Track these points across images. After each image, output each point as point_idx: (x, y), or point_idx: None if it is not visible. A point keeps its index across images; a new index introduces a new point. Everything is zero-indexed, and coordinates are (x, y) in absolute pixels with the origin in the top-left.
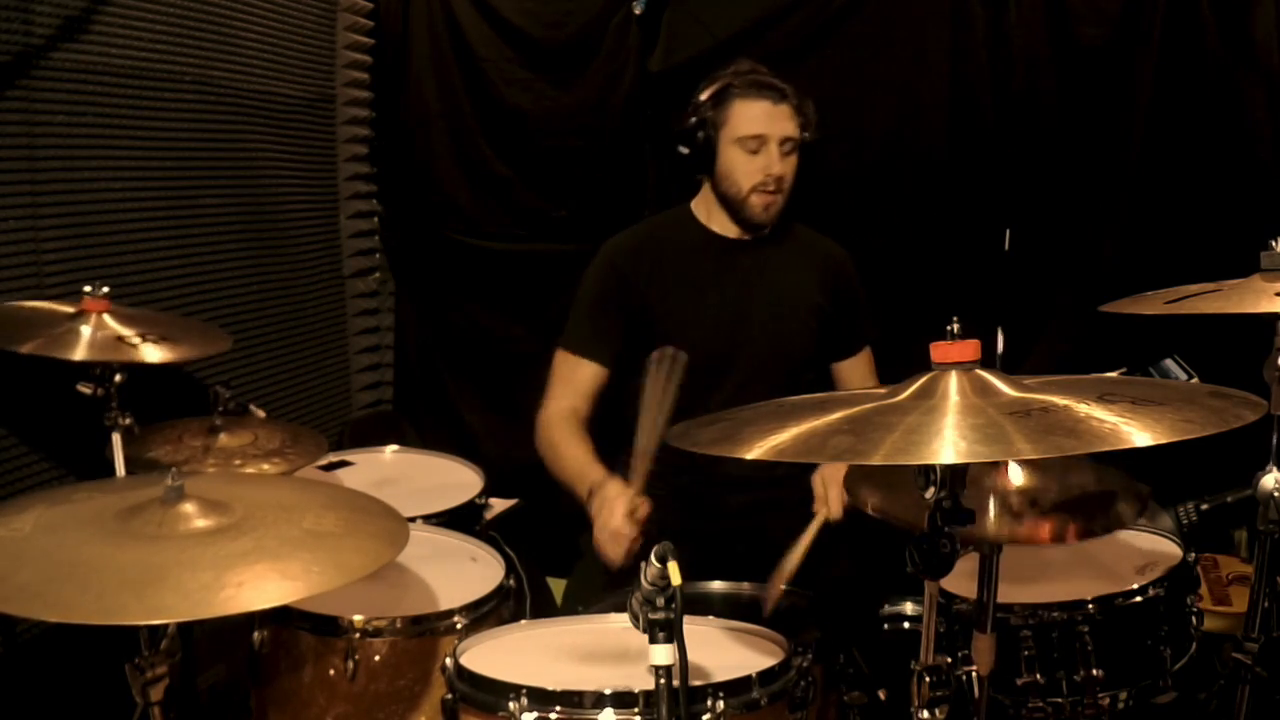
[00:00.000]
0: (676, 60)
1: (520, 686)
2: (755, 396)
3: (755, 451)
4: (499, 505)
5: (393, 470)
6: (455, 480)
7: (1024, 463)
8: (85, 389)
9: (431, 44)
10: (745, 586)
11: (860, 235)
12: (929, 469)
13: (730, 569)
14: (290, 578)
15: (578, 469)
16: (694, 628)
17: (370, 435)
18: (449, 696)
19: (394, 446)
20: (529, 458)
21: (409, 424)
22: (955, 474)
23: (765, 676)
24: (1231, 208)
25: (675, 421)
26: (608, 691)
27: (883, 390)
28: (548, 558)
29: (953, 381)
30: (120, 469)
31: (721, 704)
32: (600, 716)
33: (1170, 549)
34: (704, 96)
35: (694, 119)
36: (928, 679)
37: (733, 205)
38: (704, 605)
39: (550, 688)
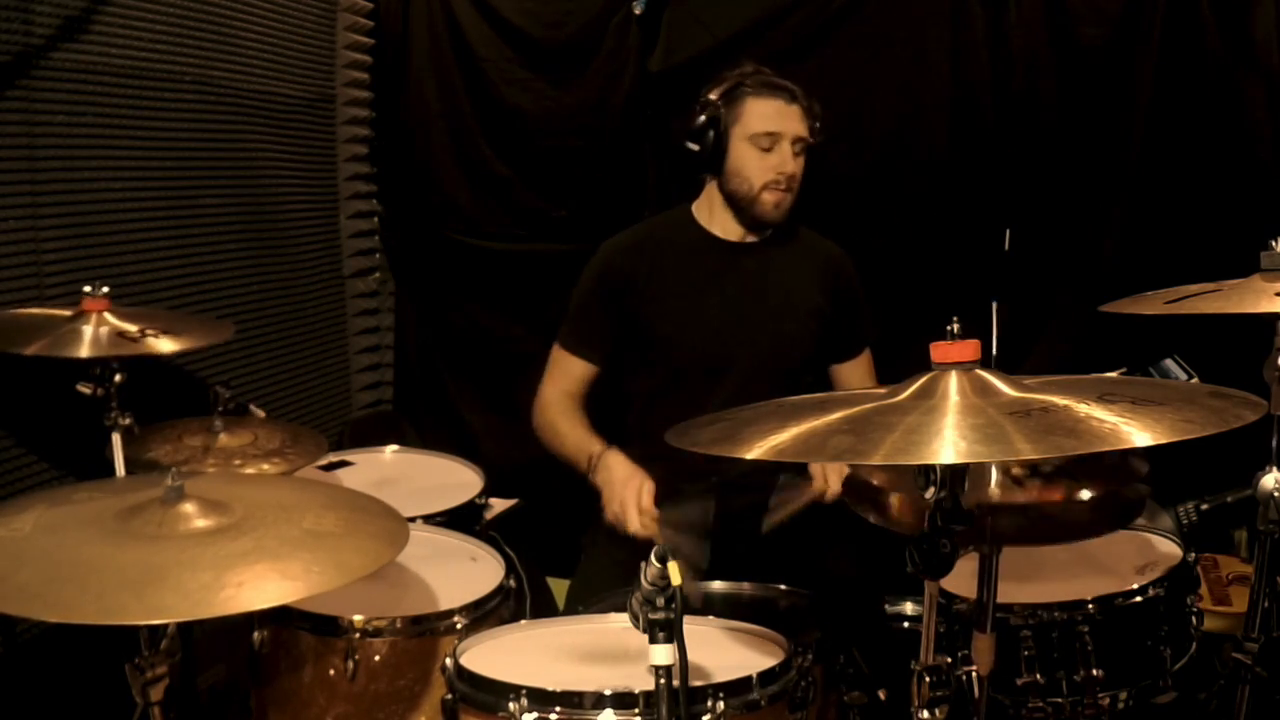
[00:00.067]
0: (676, 60)
1: (520, 687)
2: (754, 399)
3: (755, 451)
4: (499, 505)
5: (393, 470)
6: (455, 480)
7: None
8: (85, 389)
9: (431, 44)
10: (745, 586)
11: (860, 235)
12: (929, 469)
13: (730, 569)
14: (290, 578)
15: (577, 443)
16: (694, 628)
17: (370, 435)
18: (449, 696)
19: (394, 446)
20: (529, 458)
21: (409, 424)
22: (955, 474)
23: (765, 677)
24: (1231, 208)
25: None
26: (608, 692)
27: (882, 390)
28: (548, 558)
29: (953, 381)
30: (120, 469)
31: (721, 704)
32: (600, 717)
33: (1170, 549)
34: (714, 94)
35: (704, 116)
36: (928, 679)
37: (742, 203)
38: (704, 605)
39: (550, 688)
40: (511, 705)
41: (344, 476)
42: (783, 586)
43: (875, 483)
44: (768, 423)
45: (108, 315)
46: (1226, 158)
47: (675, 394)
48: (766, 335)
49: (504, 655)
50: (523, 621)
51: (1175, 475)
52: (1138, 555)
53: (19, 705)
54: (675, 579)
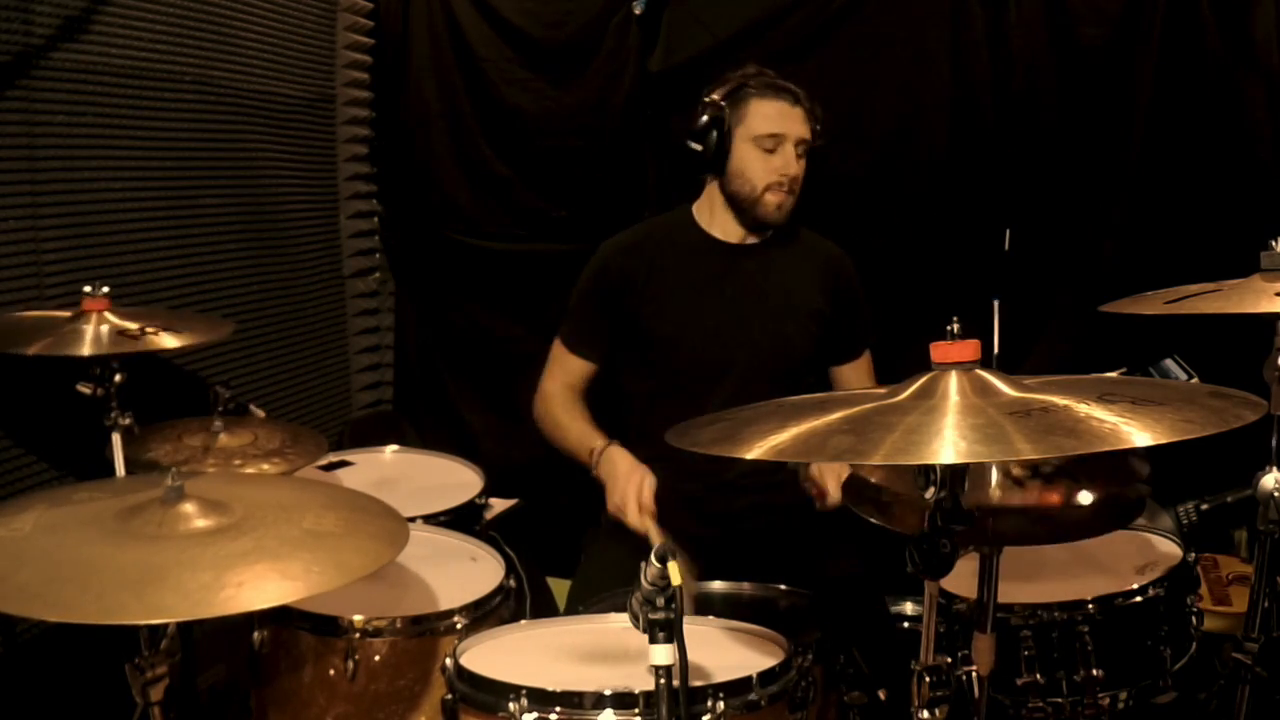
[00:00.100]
0: (676, 60)
1: (520, 687)
2: (754, 401)
3: (755, 451)
4: (499, 505)
5: (393, 470)
6: (455, 480)
7: None
8: (85, 389)
9: (431, 44)
10: (745, 586)
11: (860, 235)
12: (929, 469)
13: (730, 569)
14: (290, 578)
15: (579, 437)
16: (694, 628)
17: (370, 435)
18: (449, 697)
19: (394, 446)
20: (529, 458)
21: (409, 424)
22: (955, 474)
23: (765, 677)
24: (1231, 208)
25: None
26: (608, 692)
27: (882, 390)
28: (548, 558)
29: (953, 381)
30: (120, 469)
31: (721, 704)
32: (600, 717)
33: (1170, 549)
34: (717, 95)
35: (707, 117)
36: (928, 679)
37: (744, 204)
38: (704, 605)
39: (550, 688)
40: (511, 705)
41: (344, 476)
42: (783, 586)
43: (874, 481)
44: (768, 423)
45: (108, 315)
46: (1226, 158)
47: (675, 395)
48: (766, 336)
49: (504, 655)
50: (523, 621)
51: (1175, 475)
52: (1138, 555)
53: (19, 705)
54: (675, 579)
